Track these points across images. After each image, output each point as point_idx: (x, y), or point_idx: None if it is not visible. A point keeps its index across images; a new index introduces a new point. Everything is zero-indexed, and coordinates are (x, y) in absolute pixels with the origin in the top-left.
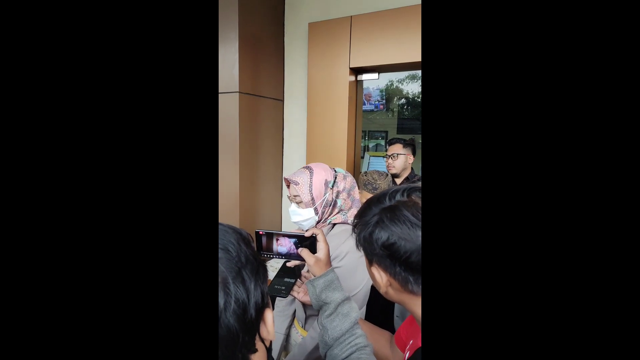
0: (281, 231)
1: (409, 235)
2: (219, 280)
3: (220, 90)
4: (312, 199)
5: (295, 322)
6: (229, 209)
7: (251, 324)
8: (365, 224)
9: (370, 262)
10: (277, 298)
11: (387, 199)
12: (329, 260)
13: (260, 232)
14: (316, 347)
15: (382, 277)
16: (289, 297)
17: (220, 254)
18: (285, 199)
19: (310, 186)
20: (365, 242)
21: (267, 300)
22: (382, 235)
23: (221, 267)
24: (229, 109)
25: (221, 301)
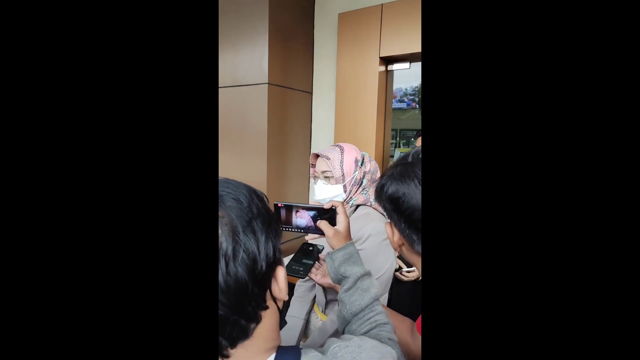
0: (300, 203)
1: (413, 193)
2: (229, 228)
3: (249, 82)
4: (343, 174)
5: (316, 307)
6: None
7: (261, 276)
8: (382, 177)
9: (386, 217)
10: (297, 284)
11: (410, 157)
12: (348, 234)
13: (279, 205)
14: (337, 331)
15: (393, 234)
16: (309, 283)
17: (232, 203)
18: (312, 191)
19: (342, 162)
20: (377, 194)
21: (279, 256)
22: (390, 188)
23: (232, 216)
24: (257, 100)
25: (229, 248)
